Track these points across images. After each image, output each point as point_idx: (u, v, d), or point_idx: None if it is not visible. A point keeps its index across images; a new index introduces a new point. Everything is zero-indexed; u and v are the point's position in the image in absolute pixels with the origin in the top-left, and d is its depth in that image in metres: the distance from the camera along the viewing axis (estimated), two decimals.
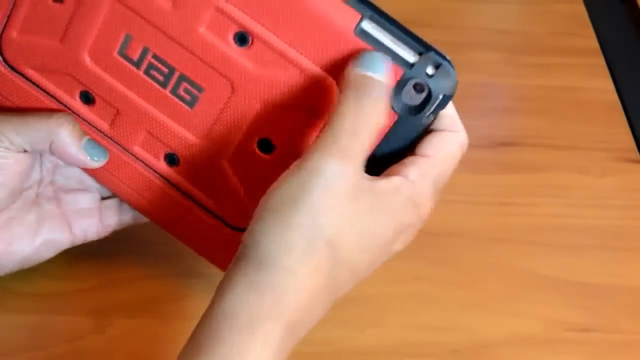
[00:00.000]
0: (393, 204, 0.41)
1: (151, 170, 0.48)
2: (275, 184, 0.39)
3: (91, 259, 0.54)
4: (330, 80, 0.42)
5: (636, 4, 0.80)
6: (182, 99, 0.45)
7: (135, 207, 0.50)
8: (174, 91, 0.44)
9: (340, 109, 0.40)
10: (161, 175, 0.48)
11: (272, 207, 0.39)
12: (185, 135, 0.46)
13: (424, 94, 0.42)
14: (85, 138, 0.47)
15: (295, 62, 0.42)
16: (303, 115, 0.43)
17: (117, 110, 0.46)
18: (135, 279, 0.54)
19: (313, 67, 0.42)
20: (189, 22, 0.42)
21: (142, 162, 0.48)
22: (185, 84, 0.44)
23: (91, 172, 0.49)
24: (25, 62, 0.46)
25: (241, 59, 0.42)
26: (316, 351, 0.51)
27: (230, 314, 0.38)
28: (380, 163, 0.43)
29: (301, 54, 0.42)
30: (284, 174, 0.39)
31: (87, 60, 0.45)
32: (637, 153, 0.67)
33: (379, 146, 0.43)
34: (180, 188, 0.48)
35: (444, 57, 0.41)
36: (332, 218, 0.38)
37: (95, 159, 0.48)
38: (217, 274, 0.41)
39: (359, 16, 0.41)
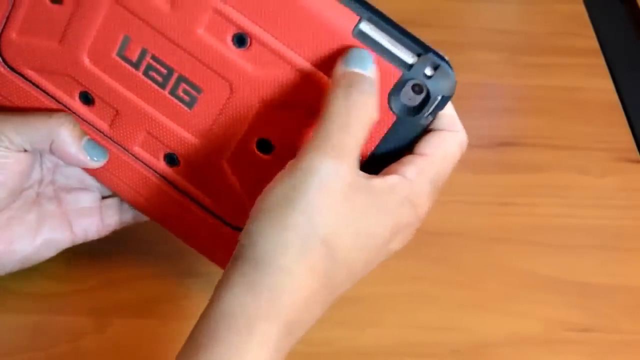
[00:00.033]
0: (389, 203, 0.41)
1: (151, 170, 0.48)
2: (270, 184, 0.39)
3: (91, 259, 0.54)
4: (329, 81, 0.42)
5: (636, 4, 0.80)
6: (181, 99, 0.45)
7: (135, 206, 0.50)
8: (172, 92, 0.44)
9: (330, 107, 0.40)
10: (161, 175, 0.48)
11: (267, 207, 0.39)
12: (185, 135, 0.46)
13: (422, 95, 0.42)
14: (85, 138, 0.47)
15: (293, 63, 0.42)
16: (302, 115, 0.43)
17: (117, 111, 0.46)
18: (135, 279, 0.54)
19: (311, 68, 0.42)
20: (188, 23, 0.42)
21: (142, 162, 0.48)
22: (184, 85, 0.44)
23: (91, 172, 0.49)
24: (24, 62, 0.46)
25: (240, 60, 0.43)
26: (316, 351, 0.51)
27: (228, 314, 0.38)
28: (379, 164, 0.43)
29: (299, 55, 0.42)
30: (279, 174, 0.39)
31: (86, 61, 0.45)
32: (637, 153, 0.67)
33: (377, 147, 0.43)
34: (180, 187, 0.48)
35: (442, 58, 0.41)
36: (327, 217, 0.38)
37: (95, 159, 0.48)
38: (216, 273, 0.41)
39: (357, 18, 0.41)
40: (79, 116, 0.47)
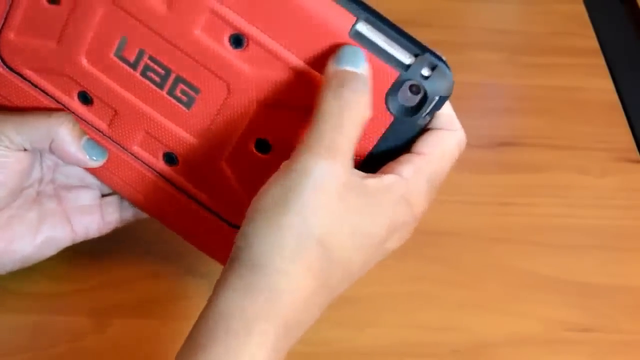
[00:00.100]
0: (385, 202, 0.40)
1: (150, 169, 0.48)
2: (265, 186, 0.39)
3: (91, 259, 0.54)
4: None
5: (636, 4, 0.80)
6: (178, 99, 0.45)
7: (135, 204, 0.50)
8: (170, 92, 0.44)
9: (323, 107, 0.40)
10: (160, 174, 0.48)
11: (263, 208, 0.39)
12: (183, 135, 0.46)
13: (420, 96, 0.42)
14: (85, 137, 0.48)
15: (290, 64, 0.42)
16: (299, 115, 0.43)
17: (115, 111, 0.46)
18: (135, 279, 0.54)
19: (308, 69, 0.42)
20: (184, 24, 0.42)
21: (141, 161, 0.48)
22: (181, 85, 0.44)
23: (91, 170, 0.49)
24: (23, 63, 0.46)
25: (236, 61, 0.42)
26: (315, 351, 0.51)
27: (226, 315, 0.38)
28: (377, 163, 0.43)
29: (296, 56, 0.42)
30: (273, 176, 0.39)
31: (84, 61, 0.45)
32: (637, 153, 0.67)
33: (375, 147, 0.43)
34: (179, 186, 0.48)
35: (440, 58, 0.41)
36: (322, 217, 0.38)
37: (94, 158, 0.48)
38: (216, 273, 0.41)
39: (354, 18, 0.41)
40: (78, 116, 0.47)
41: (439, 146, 0.42)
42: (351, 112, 0.39)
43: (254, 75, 0.43)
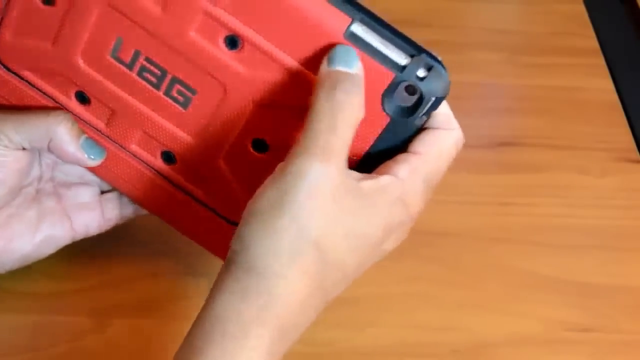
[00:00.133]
0: (380, 203, 0.40)
1: (149, 167, 0.48)
2: (261, 189, 0.39)
3: (91, 259, 0.54)
4: None
5: (636, 4, 0.80)
6: (175, 100, 0.45)
7: (134, 201, 0.50)
8: (167, 92, 0.44)
9: (316, 109, 0.39)
10: (159, 173, 0.48)
11: (258, 211, 0.39)
12: (181, 135, 0.46)
13: (415, 97, 0.42)
14: (83, 137, 0.47)
15: (286, 65, 0.42)
16: (296, 115, 0.43)
17: (112, 111, 0.46)
18: (135, 278, 0.54)
19: (304, 71, 0.42)
20: (179, 26, 0.42)
21: (140, 159, 0.48)
22: (178, 86, 0.44)
23: (90, 168, 0.49)
24: (20, 63, 0.46)
25: (232, 62, 0.42)
26: (316, 351, 0.51)
27: (223, 318, 0.38)
28: (374, 164, 0.43)
29: (292, 57, 0.41)
30: (269, 178, 0.39)
31: (80, 62, 0.45)
32: (637, 153, 0.67)
33: (372, 147, 0.43)
34: (178, 184, 0.48)
35: (435, 59, 0.41)
36: (317, 221, 0.38)
37: (92, 157, 0.48)
38: (216, 272, 0.41)
39: (349, 20, 0.40)
40: (76, 115, 0.47)
41: (435, 145, 0.42)
42: (344, 113, 0.39)
43: (250, 76, 0.43)
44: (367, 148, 0.43)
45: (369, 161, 0.43)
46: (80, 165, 0.49)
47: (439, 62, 0.41)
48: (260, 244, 0.38)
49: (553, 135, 0.67)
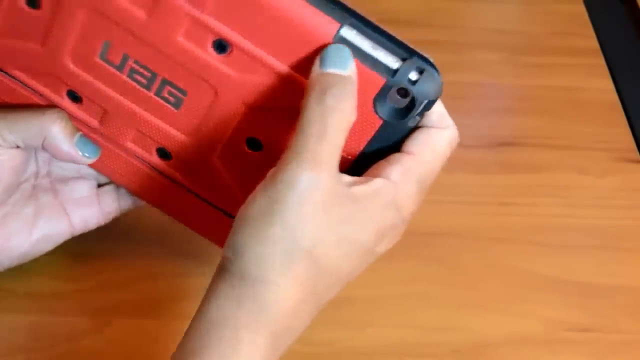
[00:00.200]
0: (371, 208, 0.40)
1: (145, 163, 0.48)
2: (251, 196, 0.39)
3: (91, 259, 0.54)
4: None
5: (636, 4, 0.80)
6: (166, 100, 0.44)
7: (132, 193, 0.50)
8: (158, 93, 0.44)
9: (306, 115, 0.39)
10: (155, 168, 0.48)
11: (251, 217, 0.39)
12: (174, 133, 0.46)
13: (408, 99, 0.41)
14: (78, 135, 0.47)
15: (276, 69, 0.41)
16: (287, 116, 0.42)
17: (105, 110, 0.46)
18: (134, 279, 0.54)
19: (293, 75, 0.41)
20: (166, 31, 0.42)
21: (136, 155, 0.48)
22: (168, 88, 0.44)
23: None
24: (10, 63, 0.46)
25: (222, 66, 0.42)
26: (316, 351, 0.51)
27: (217, 323, 0.39)
28: (367, 165, 0.42)
29: (280, 61, 0.41)
30: (260, 185, 0.39)
31: (70, 63, 0.45)
32: (637, 153, 0.67)
33: (365, 148, 0.43)
34: (174, 179, 0.48)
35: (427, 61, 0.40)
36: (309, 229, 0.38)
37: (87, 155, 0.48)
38: None
39: (338, 25, 0.40)
40: (69, 113, 0.47)
41: (429, 145, 0.42)
42: (334, 118, 0.39)
43: (241, 80, 0.42)
44: (360, 149, 0.43)
45: (363, 161, 0.43)
46: (75, 163, 0.49)
47: (431, 64, 0.40)
48: (254, 251, 0.39)
49: (553, 135, 0.67)
